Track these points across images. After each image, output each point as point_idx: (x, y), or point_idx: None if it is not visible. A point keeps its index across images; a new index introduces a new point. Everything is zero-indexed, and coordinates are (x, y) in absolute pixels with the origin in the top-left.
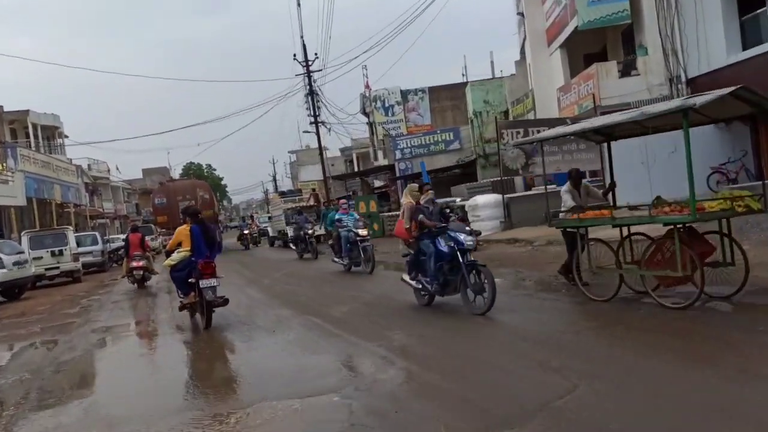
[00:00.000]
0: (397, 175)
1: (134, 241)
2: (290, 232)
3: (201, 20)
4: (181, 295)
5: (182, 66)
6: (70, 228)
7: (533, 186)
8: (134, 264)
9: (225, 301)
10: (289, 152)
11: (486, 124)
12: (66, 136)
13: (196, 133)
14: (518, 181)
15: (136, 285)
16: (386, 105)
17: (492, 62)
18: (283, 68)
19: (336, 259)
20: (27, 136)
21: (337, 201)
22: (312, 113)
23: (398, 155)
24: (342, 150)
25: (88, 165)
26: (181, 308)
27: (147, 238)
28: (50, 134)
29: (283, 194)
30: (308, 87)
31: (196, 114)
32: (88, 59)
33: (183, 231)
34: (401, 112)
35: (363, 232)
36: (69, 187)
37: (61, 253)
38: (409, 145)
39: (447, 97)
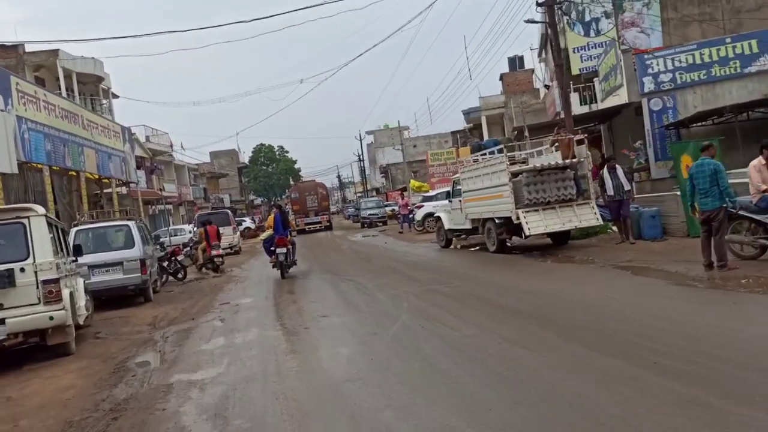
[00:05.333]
0: (650, 122)
1: (212, 233)
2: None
3: None
4: (270, 259)
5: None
6: (38, 210)
7: None
8: (215, 252)
9: (294, 262)
10: (366, 132)
11: None
12: (116, 96)
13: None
14: None
15: (211, 273)
16: (585, 20)
17: None
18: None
19: None
20: (59, 88)
21: None
22: None
23: (648, 86)
24: (466, 112)
25: (147, 137)
26: (273, 266)
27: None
28: (93, 90)
29: (481, 150)
30: None
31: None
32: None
33: (272, 217)
34: (611, 28)
35: None
36: (111, 155)
37: (9, 279)
38: (668, 67)
39: (690, 2)
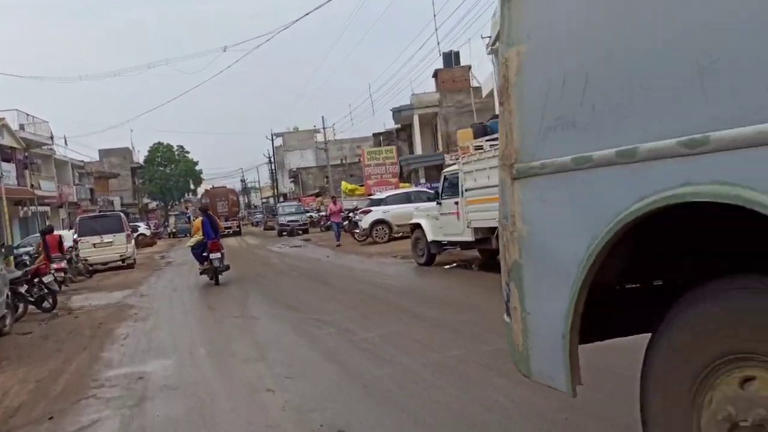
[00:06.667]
0: None
1: (52, 243)
2: None
3: None
4: (199, 265)
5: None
6: None
7: None
8: (55, 266)
9: (227, 267)
10: (274, 134)
11: None
12: None
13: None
14: None
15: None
16: None
17: None
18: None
19: None
20: None
21: None
22: None
23: None
24: (396, 111)
25: (21, 125)
26: (201, 273)
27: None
28: None
29: (487, 133)
30: None
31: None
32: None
33: (199, 221)
34: None
35: None
36: None
37: None
38: None
39: None
